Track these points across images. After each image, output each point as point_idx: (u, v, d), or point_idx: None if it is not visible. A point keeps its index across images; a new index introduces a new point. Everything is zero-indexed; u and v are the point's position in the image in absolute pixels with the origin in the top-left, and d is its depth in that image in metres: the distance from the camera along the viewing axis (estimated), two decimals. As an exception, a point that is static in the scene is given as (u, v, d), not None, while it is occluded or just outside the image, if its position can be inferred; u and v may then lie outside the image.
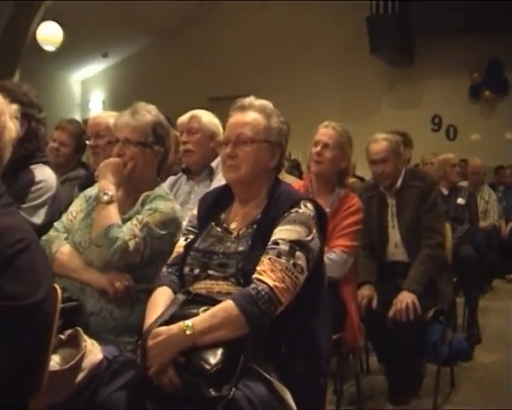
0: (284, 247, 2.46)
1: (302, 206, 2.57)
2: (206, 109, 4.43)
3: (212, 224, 2.72)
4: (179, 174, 4.24)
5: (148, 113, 3.05)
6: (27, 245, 1.79)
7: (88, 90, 15.85)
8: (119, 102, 13.05)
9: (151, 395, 2.31)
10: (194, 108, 4.42)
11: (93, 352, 2.54)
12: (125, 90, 13.88)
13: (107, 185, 2.93)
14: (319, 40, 12.24)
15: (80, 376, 2.46)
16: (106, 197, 2.89)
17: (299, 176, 7.51)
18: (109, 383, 2.42)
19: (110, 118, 4.02)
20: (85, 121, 4.98)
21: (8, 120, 1.92)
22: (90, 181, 3.94)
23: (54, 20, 11.15)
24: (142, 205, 2.96)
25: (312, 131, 4.12)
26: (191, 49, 13.39)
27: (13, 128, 1.94)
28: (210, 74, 13.01)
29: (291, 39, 12.47)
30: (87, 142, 4.16)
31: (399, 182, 4.63)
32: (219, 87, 12.54)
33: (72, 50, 12.55)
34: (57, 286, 1.98)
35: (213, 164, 4.09)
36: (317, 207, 2.63)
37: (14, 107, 1.98)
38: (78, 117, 13.81)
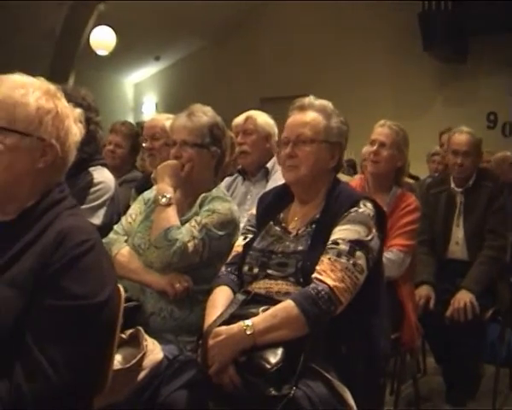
0: (344, 246, 2.45)
1: (362, 205, 2.56)
2: (258, 110, 4.44)
3: (271, 223, 2.72)
4: (235, 175, 4.25)
5: (205, 114, 3.07)
6: (92, 246, 1.82)
7: (141, 93, 16.00)
8: (171, 104, 13.21)
9: (212, 394, 2.33)
10: (246, 110, 4.44)
11: (154, 351, 2.57)
12: (177, 92, 13.99)
13: (165, 188, 2.96)
14: (371, 38, 12.14)
15: (141, 375, 2.49)
16: (164, 200, 2.91)
17: (355, 175, 7.45)
18: (170, 382, 2.44)
19: (166, 120, 4.07)
20: (139, 124, 5.02)
21: (72, 124, 1.95)
22: (146, 183, 3.99)
23: (107, 24, 11.28)
24: (200, 206, 2.98)
25: (365, 129, 4.09)
26: (243, 50, 13.40)
27: (77, 132, 1.97)
28: (262, 75, 13.01)
29: (343, 38, 12.40)
30: (143, 144, 4.20)
31: (471, 181, 4.58)
32: (271, 88, 12.54)
33: (125, 54, 12.69)
34: (120, 286, 2.00)
35: (269, 165, 4.10)
36: (376, 206, 2.61)
37: (78, 111, 2.01)
38: (131, 120, 13.91)
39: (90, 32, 11.62)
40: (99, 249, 1.86)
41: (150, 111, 15.43)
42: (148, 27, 11.98)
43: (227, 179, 4.19)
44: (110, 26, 11.21)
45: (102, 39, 11.31)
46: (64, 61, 11.95)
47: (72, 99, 2.09)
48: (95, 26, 11.61)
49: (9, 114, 1.85)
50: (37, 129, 1.86)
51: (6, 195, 1.87)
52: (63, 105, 1.93)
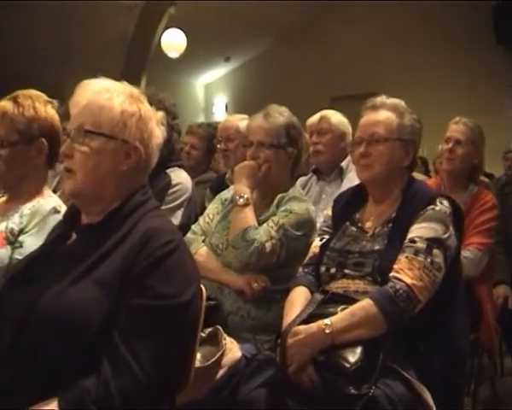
0: (421, 245, 2.44)
1: (438, 203, 2.54)
2: (328, 109, 4.43)
3: (347, 223, 2.73)
4: (309, 175, 4.26)
5: (281, 115, 3.09)
6: (176, 246, 1.86)
7: (211, 94, 16.12)
8: (241, 105, 13.26)
9: (290, 392, 2.35)
10: (316, 109, 4.44)
11: (232, 350, 2.61)
12: (247, 93, 14.04)
13: (242, 188, 2.99)
14: (442, 33, 11.92)
15: (220, 373, 2.53)
16: (242, 200, 2.94)
17: (426, 173, 7.38)
18: (249, 380, 2.47)
19: (240, 121, 4.11)
20: (211, 125, 5.07)
21: (155, 127, 2.00)
22: (220, 183, 4.04)
23: (177, 27, 11.41)
24: (278, 207, 3.00)
25: (437, 127, 4.04)
26: (312, 50, 13.34)
27: (159, 134, 2.02)
28: (332, 74, 12.94)
29: (412, 35, 12.22)
30: (218, 145, 4.24)
31: None
32: (341, 87, 12.46)
33: (196, 56, 12.80)
34: (202, 286, 2.03)
35: (343, 164, 4.09)
36: (453, 203, 2.59)
37: (160, 113, 2.06)
38: (202, 121, 14.09)
39: (160, 35, 11.78)
40: (183, 249, 1.90)
41: (221, 112, 15.53)
42: (217, 29, 12.05)
43: (301, 179, 4.20)
44: (180, 29, 11.33)
45: (173, 42, 11.43)
46: (136, 64, 12.16)
47: (148, 102, 2.14)
48: (165, 28, 11.76)
49: (95, 117, 1.91)
50: (121, 132, 1.92)
51: (92, 196, 1.93)
52: (146, 108, 1.99)
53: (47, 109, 2.55)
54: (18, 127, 2.48)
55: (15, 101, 2.52)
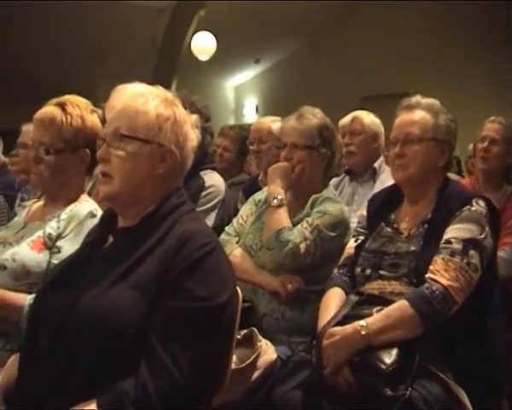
0: (457, 246, 2.42)
1: (474, 203, 2.52)
2: (359, 109, 4.42)
3: (382, 224, 2.72)
4: (342, 176, 4.26)
5: (314, 116, 3.09)
6: (213, 248, 1.86)
7: (241, 96, 16.13)
8: (272, 106, 13.26)
9: (326, 394, 2.35)
10: (347, 109, 4.43)
11: (267, 351, 2.61)
12: (277, 94, 14.02)
13: (276, 189, 3.00)
14: (470, 31, 11.81)
15: (255, 375, 2.54)
16: (275, 201, 2.95)
17: (459, 173, 7.30)
18: (284, 382, 2.48)
19: (272, 123, 4.12)
20: (243, 127, 5.08)
21: (190, 130, 2.01)
22: (253, 185, 4.05)
23: (207, 29, 11.46)
24: (312, 207, 3.00)
25: (469, 126, 4.00)
26: (342, 49, 13.26)
27: (194, 138, 2.03)
28: (362, 74, 12.85)
29: (442, 34, 12.13)
30: (250, 147, 4.25)
31: None
32: (372, 86, 12.39)
33: (226, 58, 12.83)
34: (237, 287, 2.04)
35: (376, 164, 4.09)
36: (489, 204, 2.57)
37: (194, 117, 2.07)
38: (232, 123, 14.11)
39: (190, 38, 11.83)
40: (219, 252, 1.91)
41: (251, 114, 15.55)
42: (247, 31, 12.07)
43: (334, 180, 4.19)
44: (210, 31, 11.37)
45: (203, 44, 11.48)
46: (167, 68, 12.23)
47: (182, 105, 2.15)
48: (195, 31, 11.81)
49: (130, 121, 1.92)
50: (156, 136, 1.93)
51: (128, 200, 1.95)
52: (181, 112, 2.00)
53: (93, 119, 2.57)
54: (65, 136, 2.51)
55: (64, 108, 2.54)
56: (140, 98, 1.95)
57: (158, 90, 2.01)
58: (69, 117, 2.53)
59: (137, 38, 12.23)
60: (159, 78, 11.20)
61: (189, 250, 1.82)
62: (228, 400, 2.30)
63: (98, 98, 2.68)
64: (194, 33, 11.79)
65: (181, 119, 1.99)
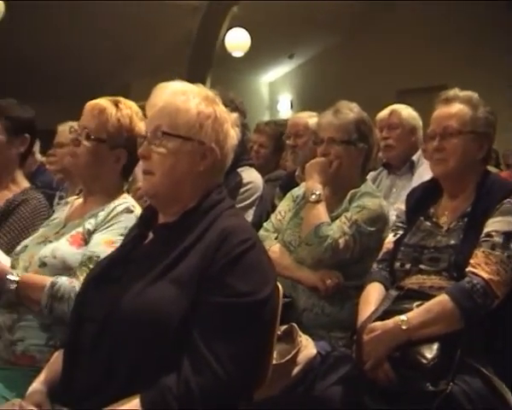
0: (498, 239, 2.41)
1: None
2: (395, 103, 4.41)
3: (421, 218, 2.70)
4: (380, 169, 4.25)
5: (351, 111, 3.08)
6: (253, 244, 1.87)
7: (275, 91, 16.13)
8: (306, 101, 13.22)
9: (367, 389, 2.34)
10: (383, 103, 4.41)
11: (307, 347, 2.61)
12: (312, 89, 13.99)
13: (314, 185, 3.00)
14: (506, 26, 11.63)
15: (295, 370, 2.53)
16: (314, 197, 2.95)
17: (497, 166, 7.24)
18: (325, 377, 2.48)
19: (308, 118, 4.12)
20: (279, 123, 5.08)
21: (230, 128, 2.02)
22: (290, 181, 4.06)
23: (240, 25, 11.47)
24: (350, 202, 2.99)
25: (507, 119, 3.95)
26: (377, 43, 13.13)
27: (234, 135, 2.04)
28: (397, 67, 12.73)
29: (478, 27, 11.98)
30: (287, 141, 4.26)
31: None
32: (408, 79, 12.30)
33: (259, 54, 12.81)
34: (278, 283, 2.04)
35: (414, 157, 4.07)
36: None
37: (235, 115, 2.08)
38: (267, 119, 14.10)
39: (224, 35, 11.86)
40: (260, 247, 1.92)
41: (285, 109, 15.54)
42: (280, 26, 12.05)
43: (371, 174, 4.18)
44: (243, 27, 11.38)
45: (237, 41, 11.49)
46: (201, 65, 12.28)
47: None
48: (229, 28, 11.84)
49: (171, 119, 1.94)
50: (197, 133, 1.94)
51: (169, 197, 1.96)
52: (221, 110, 2.01)
53: (140, 125, 2.59)
54: (109, 128, 2.53)
55: (116, 104, 2.57)
56: (181, 96, 1.96)
57: (199, 89, 2.03)
58: (119, 113, 2.56)
59: (171, 36, 12.30)
60: (193, 75, 11.24)
61: (230, 246, 1.82)
62: (268, 395, 2.30)
63: (132, 97, 2.71)
64: (227, 30, 11.81)
65: (221, 117, 2.00)
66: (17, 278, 2.39)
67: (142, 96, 2.65)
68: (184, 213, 1.96)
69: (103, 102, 2.60)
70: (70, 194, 4.00)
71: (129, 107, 2.61)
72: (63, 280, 2.34)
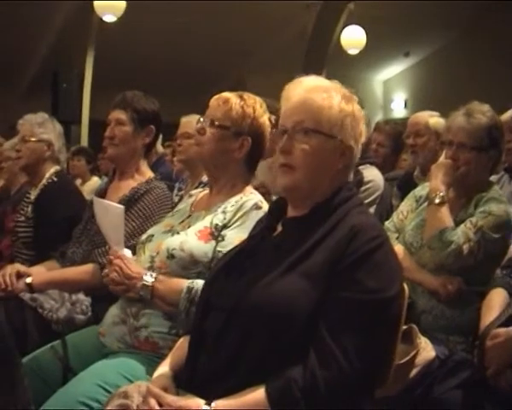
0: None
1: None
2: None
3: None
4: (501, 174, 4.12)
5: (483, 115, 2.98)
6: (382, 242, 1.87)
7: (390, 90, 15.91)
8: (421, 101, 12.98)
9: (488, 396, 2.30)
10: (502, 104, 4.27)
11: (426, 349, 2.58)
12: (427, 88, 13.69)
13: (438, 186, 2.94)
14: None
15: (413, 372, 2.51)
16: (437, 199, 2.90)
17: None
18: (443, 381, 2.45)
19: (429, 117, 4.07)
20: (399, 122, 5.04)
21: (364, 127, 2.04)
22: (408, 181, 4.01)
23: (355, 23, 11.40)
24: (475, 207, 2.94)
25: None
26: (496, 41, 12.66)
27: (364, 134, 2.05)
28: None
29: None
30: (406, 140, 4.22)
31: None
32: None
33: (374, 52, 12.67)
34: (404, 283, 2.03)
35: (540, 163, 3.93)
36: None
37: (362, 113, 2.08)
38: (380, 118, 13.96)
39: (340, 32, 11.81)
40: (388, 246, 1.91)
41: (400, 108, 15.33)
42: (396, 23, 11.88)
43: (493, 178, 4.07)
44: (359, 25, 11.30)
45: (353, 38, 11.43)
46: (316, 61, 12.26)
47: None
48: (344, 25, 11.78)
49: (314, 116, 1.95)
50: (339, 131, 1.96)
51: (306, 192, 1.98)
52: (357, 108, 2.03)
53: (264, 116, 2.63)
54: (233, 116, 2.58)
55: (241, 96, 2.63)
56: (323, 93, 1.98)
57: (338, 86, 2.04)
58: (243, 102, 2.60)
59: (286, 32, 12.37)
60: (307, 72, 11.25)
61: (360, 242, 1.83)
62: (385, 395, 2.29)
63: (248, 92, 2.75)
64: (343, 27, 11.75)
65: (358, 115, 2.02)
66: (153, 280, 2.44)
67: (256, 93, 2.70)
68: (314, 207, 1.98)
69: (228, 94, 2.65)
70: (190, 186, 4.09)
71: (253, 98, 2.65)
72: (199, 284, 2.37)
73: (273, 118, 2.67)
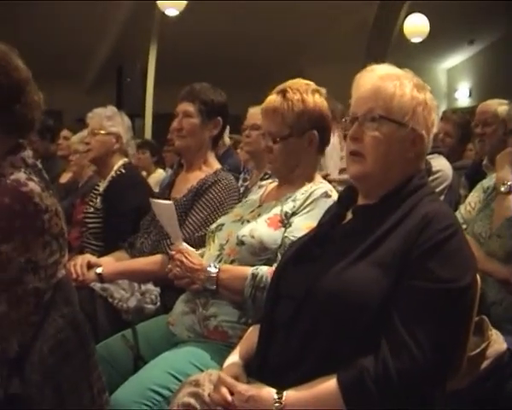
0: None
1: None
2: None
3: None
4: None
5: None
6: (455, 231, 1.84)
7: (454, 79, 15.66)
8: (486, 90, 12.73)
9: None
10: None
11: (497, 341, 2.54)
12: (492, 77, 13.40)
13: (505, 175, 2.90)
14: None
15: (484, 364, 2.47)
16: (504, 188, 2.86)
17: None
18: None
19: (498, 105, 3.99)
20: (466, 111, 4.96)
21: (436, 116, 2.02)
22: (476, 171, 3.95)
23: (419, 11, 11.24)
24: None
25: None
26: None
27: (436, 124, 2.03)
28: None
29: None
30: (474, 129, 4.15)
31: None
32: None
33: (438, 40, 12.48)
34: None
35: None
36: None
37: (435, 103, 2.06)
38: (444, 107, 13.75)
39: (402, 21, 11.68)
40: (461, 235, 1.88)
41: (464, 97, 15.07)
42: (461, 10, 11.67)
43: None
44: (422, 13, 11.14)
45: (416, 26, 11.29)
46: (378, 51, 12.14)
47: None
48: (407, 13, 11.64)
49: (386, 103, 1.94)
50: (411, 119, 1.93)
51: (377, 181, 1.96)
52: (430, 97, 2.00)
53: (315, 99, 2.61)
54: (288, 122, 2.58)
55: (284, 96, 2.60)
56: (395, 81, 1.96)
57: (410, 74, 2.02)
58: (290, 103, 2.58)
59: (347, 22, 12.29)
60: (370, 61, 11.16)
61: (432, 231, 1.80)
62: (456, 387, 2.27)
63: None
64: (406, 15, 11.61)
65: (431, 104, 1.99)
66: (217, 270, 2.48)
67: (315, 83, 2.68)
68: (385, 195, 1.96)
69: (273, 99, 2.62)
70: (255, 177, 4.10)
71: (296, 89, 2.61)
72: (264, 270, 2.40)
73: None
